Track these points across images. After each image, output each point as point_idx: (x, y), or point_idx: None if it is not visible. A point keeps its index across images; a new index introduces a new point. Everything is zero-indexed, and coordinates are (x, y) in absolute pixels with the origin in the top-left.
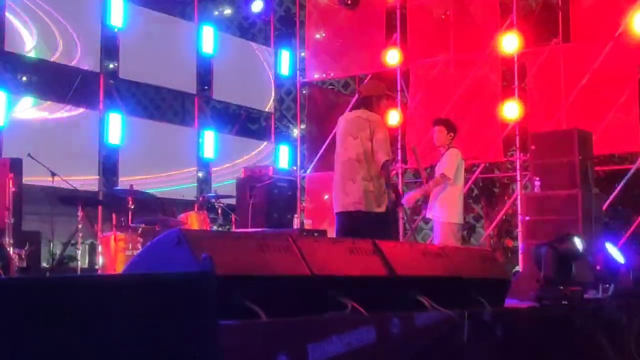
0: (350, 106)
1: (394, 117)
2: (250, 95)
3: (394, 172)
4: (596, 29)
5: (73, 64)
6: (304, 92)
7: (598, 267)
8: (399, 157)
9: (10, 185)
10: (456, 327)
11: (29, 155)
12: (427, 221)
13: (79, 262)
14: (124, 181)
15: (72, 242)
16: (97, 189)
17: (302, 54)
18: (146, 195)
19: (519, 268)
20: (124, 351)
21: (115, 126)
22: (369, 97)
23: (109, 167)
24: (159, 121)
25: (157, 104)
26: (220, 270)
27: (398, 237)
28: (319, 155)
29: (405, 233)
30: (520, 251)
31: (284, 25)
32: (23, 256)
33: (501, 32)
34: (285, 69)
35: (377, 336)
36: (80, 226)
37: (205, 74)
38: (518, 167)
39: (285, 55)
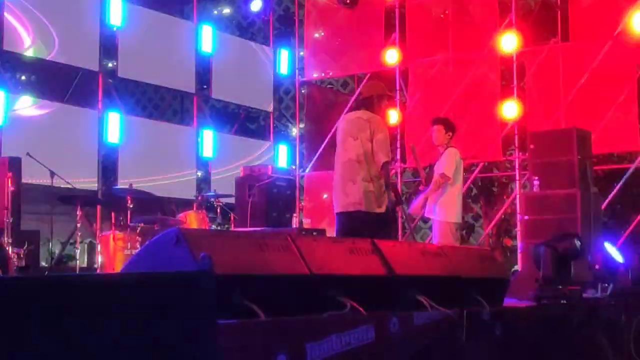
0: (349, 105)
1: (392, 117)
2: (249, 95)
3: (393, 171)
4: (595, 29)
5: (71, 63)
6: (302, 91)
7: (597, 267)
8: (398, 157)
9: (9, 185)
10: (455, 327)
11: (27, 154)
12: (426, 220)
13: (78, 262)
14: (123, 181)
15: (71, 241)
16: (96, 188)
17: (301, 53)
18: (145, 195)
19: (517, 267)
20: (122, 350)
21: (114, 125)
22: (370, 98)
23: (108, 167)
24: (158, 120)
25: (156, 103)
26: (219, 269)
27: (397, 236)
28: (317, 154)
29: (404, 232)
30: (519, 250)
31: (282, 24)
32: (22, 255)
33: (500, 32)
34: (284, 68)
35: (376, 335)
36: (79, 225)
37: (204, 73)
38: (517, 166)
39: (284, 55)
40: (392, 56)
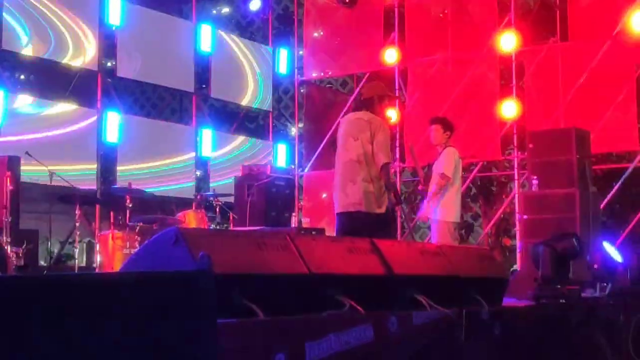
0: (347, 105)
1: (392, 116)
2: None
3: (392, 170)
4: (594, 28)
5: (70, 62)
6: (302, 90)
7: (595, 266)
8: (397, 156)
9: (8, 184)
10: (454, 326)
11: (26, 153)
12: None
13: (77, 261)
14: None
15: (70, 240)
16: (95, 188)
17: (300, 53)
18: (144, 194)
19: (516, 267)
20: (121, 349)
21: (113, 125)
22: (371, 99)
23: (107, 166)
24: (156, 119)
25: (154, 102)
26: (218, 268)
27: (396, 236)
28: (316, 153)
29: (403, 232)
30: (518, 250)
31: (282, 23)
32: (21, 254)
33: (499, 31)
34: (283, 68)
35: (375, 335)
36: (78, 225)
37: (203, 73)
38: (516, 165)
39: (283, 54)
40: (391, 55)
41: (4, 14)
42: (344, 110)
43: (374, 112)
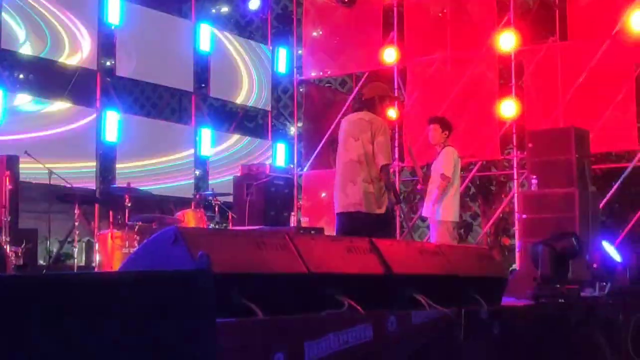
0: (346, 105)
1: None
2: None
3: (392, 170)
4: (593, 27)
5: (69, 61)
6: (301, 90)
7: (595, 266)
8: (397, 156)
9: (7, 183)
10: (453, 325)
11: (25, 152)
12: (424, 219)
13: (76, 260)
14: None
15: (69, 239)
16: (94, 187)
17: (299, 52)
18: (143, 193)
19: (515, 266)
20: (120, 348)
21: (112, 124)
22: (372, 99)
23: (106, 165)
24: (156, 119)
25: (154, 101)
26: (217, 268)
27: (395, 235)
28: (315, 153)
29: (402, 231)
30: (517, 249)
31: (281, 23)
32: (20, 254)
33: (498, 30)
34: (282, 67)
35: (374, 334)
36: (77, 224)
37: (202, 72)
38: (515, 165)
39: (282, 53)
40: (390, 55)
41: (2, 13)
42: (343, 110)
43: (375, 112)
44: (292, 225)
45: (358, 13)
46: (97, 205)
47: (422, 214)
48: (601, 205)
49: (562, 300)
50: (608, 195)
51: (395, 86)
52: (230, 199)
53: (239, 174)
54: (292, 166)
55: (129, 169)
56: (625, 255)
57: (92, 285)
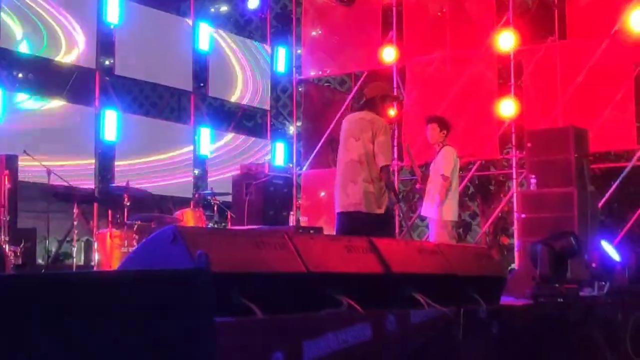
0: (346, 104)
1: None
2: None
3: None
4: (592, 27)
5: (68, 60)
6: (300, 89)
7: (594, 265)
8: (395, 155)
9: (6, 182)
10: (452, 325)
11: (24, 151)
12: (423, 219)
13: (75, 259)
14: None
15: (68, 239)
16: (93, 186)
17: (299, 51)
18: (142, 193)
19: (514, 266)
20: (119, 347)
21: (111, 123)
22: (373, 99)
23: (105, 164)
24: (155, 118)
25: (153, 101)
26: (215, 267)
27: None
28: (314, 152)
29: (401, 230)
30: (516, 249)
31: (280, 22)
32: (19, 253)
33: (497, 30)
34: (281, 66)
35: (373, 333)
36: (75, 223)
37: (201, 71)
38: (514, 164)
39: (281, 53)
40: (389, 54)
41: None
42: (342, 109)
43: (376, 112)
44: (291, 224)
45: (357, 12)
46: (96, 205)
47: (421, 214)
48: (600, 204)
49: (561, 300)
50: (607, 195)
51: (395, 85)
52: (229, 198)
53: (237, 173)
54: (291, 165)
55: (127, 168)
56: (624, 255)
57: (91, 285)
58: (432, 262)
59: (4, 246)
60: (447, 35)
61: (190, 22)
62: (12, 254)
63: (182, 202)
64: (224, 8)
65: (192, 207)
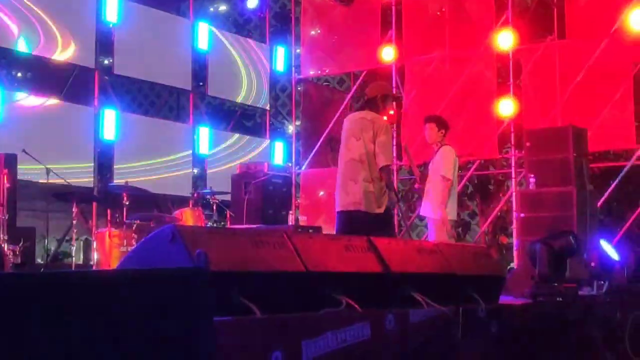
0: (345, 103)
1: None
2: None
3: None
4: (591, 26)
5: (67, 59)
6: (299, 88)
7: (592, 264)
8: (395, 154)
9: (5, 181)
10: (451, 324)
11: (23, 151)
12: (422, 218)
13: (74, 259)
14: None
15: (67, 238)
16: (92, 185)
17: (298, 51)
18: (141, 192)
19: (513, 265)
20: (118, 346)
21: (110, 122)
22: (374, 98)
23: (103, 163)
24: (154, 117)
25: (152, 100)
26: (214, 266)
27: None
28: (314, 151)
29: (400, 230)
30: (515, 248)
31: (279, 21)
32: (18, 252)
33: (496, 29)
34: (280, 66)
35: (372, 332)
36: (74, 222)
37: (200, 70)
38: (513, 164)
39: (280, 52)
40: (388, 54)
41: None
42: (341, 109)
43: (378, 111)
44: (290, 223)
45: (356, 12)
46: (95, 204)
47: (420, 213)
48: (599, 203)
49: (560, 299)
50: (606, 194)
51: (394, 85)
52: (228, 197)
53: (236, 172)
54: (290, 165)
55: (127, 167)
56: (623, 254)
57: (90, 284)
58: (431, 261)
59: (2, 245)
60: (446, 34)
61: (189, 21)
62: (11, 253)
63: (181, 201)
64: (223, 7)
65: (191, 206)
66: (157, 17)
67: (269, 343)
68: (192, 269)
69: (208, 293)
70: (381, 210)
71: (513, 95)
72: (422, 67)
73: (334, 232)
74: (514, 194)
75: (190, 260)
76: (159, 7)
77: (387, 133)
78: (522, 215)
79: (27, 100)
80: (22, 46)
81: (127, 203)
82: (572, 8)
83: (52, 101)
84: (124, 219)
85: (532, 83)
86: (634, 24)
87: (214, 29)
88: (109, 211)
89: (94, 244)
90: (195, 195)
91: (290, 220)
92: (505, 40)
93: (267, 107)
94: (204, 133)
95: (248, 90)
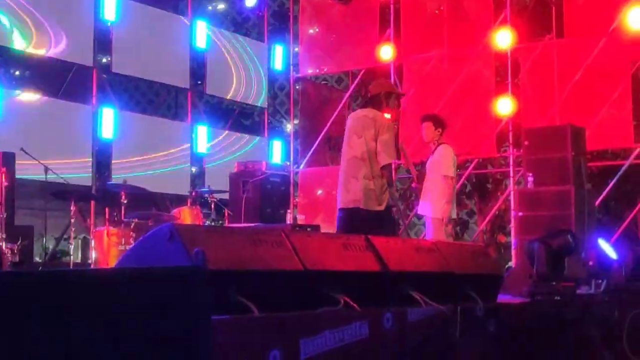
0: (343, 102)
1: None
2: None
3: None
4: (590, 25)
5: (65, 58)
6: (297, 87)
7: (591, 263)
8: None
9: (3, 180)
10: (449, 323)
11: (22, 149)
12: (420, 217)
13: (72, 257)
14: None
15: (65, 236)
16: (90, 184)
17: (296, 49)
18: (139, 190)
19: (511, 264)
20: (115, 344)
21: (108, 120)
22: (377, 96)
23: (102, 162)
24: (152, 116)
25: (150, 98)
26: (212, 265)
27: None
28: (312, 150)
29: (398, 229)
30: (513, 247)
31: (277, 20)
32: (16, 251)
33: (495, 28)
34: (278, 64)
35: (370, 331)
36: (73, 221)
37: (198, 69)
38: (511, 162)
39: (278, 50)
40: (386, 52)
41: None
42: (339, 107)
43: (381, 109)
44: (288, 222)
45: (355, 10)
46: (93, 202)
47: (418, 212)
48: (597, 202)
49: (558, 298)
50: (604, 193)
51: (392, 83)
52: (226, 196)
53: (234, 171)
54: (288, 163)
55: (125, 165)
56: (621, 253)
57: (88, 282)
58: (429, 260)
59: (1, 244)
60: (444, 33)
61: (187, 20)
62: (9, 252)
63: (180, 200)
64: (221, 6)
65: (189, 205)
66: (155, 15)
67: (267, 342)
68: (190, 268)
69: (206, 292)
70: (381, 208)
71: (511, 94)
72: (420, 66)
73: (334, 230)
74: (512, 192)
75: (188, 259)
76: (157, 6)
77: (390, 131)
78: (520, 214)
79: (25, 98)
80: (18, 44)
81: (125, 201)
82: (571, 7)
83: (50, 99)
84: (122, 217)
85: (531, 82)
86: (632, 23)
87: (212, 27)
88: (107, 210)
89: (92, 243)
90: (194, 193)
91: (289, 219)
92: (503, 39)
93: (265, 106)
94: (202, 131)
95: (246, 89)
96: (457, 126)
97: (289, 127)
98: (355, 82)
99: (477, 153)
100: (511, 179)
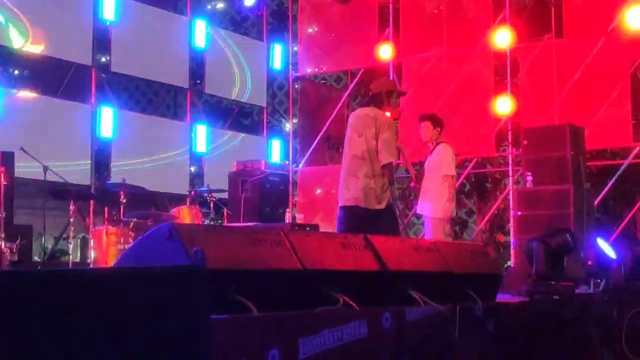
0: (342, 101)
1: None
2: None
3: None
4: (589, 25)
5: (65, 57)
6: (296, 86)
7: (589, 262)
8: None
9: (2, 179)
10: (448, 322)
11: (21, 149)
12: (419, 216)
13: (71, 256)
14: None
15: (64, 236)
16: (89, 183)
17: (295, 48)
18: (138, 190)
19: (510, 263)
20: (114, 343)
21: (107, 120)
22: (379, 94)
23: (101, 161)
24: (151, 115)
25: (149, 98)
26: (211, 264)
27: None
28: (311, 149)
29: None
30: (512, 246)
31: (276, 19)
32: (15, 250)
33: (494, 27)
34: (277, 63)
35: (369, 331)
36: (72, 220)
37: (197, 68)
38: (510, 162)
39: (277, 50)
40: (385, 52)
41: None
42: (339, 106)
43: (382, 107)
44: (287, 221)
45: (353, 10)
46: (92, 202)
47: (417, 212)
48: (596, 202)
49: (557, 297)
50: (603, 192)
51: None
52: (225, 195)
53: (233, 170)
54: (287, 162)
55: (124, 165)
56: (619, 252)
57: (87, 281)
58: (428, 259)
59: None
60: (443, 32)
61: (186, 19)
62: (8, 251)
63: (179, 199)
64: (220, 5)
65: (188, 204)
66: (154, 14)
67: (266, 341)
68: (189, 267)
69: (205, 291)
70: (382, 206)
71: (510, 94)
72: (419, 65)
73: (333, 230)
74: (511, 192)
75: (187, 258)
76: (157, 5)
77: (390, 129)
78: (519, 213)
79: (24, 97)
80: (16, 43)
81: (124, 201)
82: (570, 6)
83: (50, 99)
84: (121, 216)
85: (530, 81)
86: (630, 23)
87: (211, 26)
88: (106, 209)
89: (91, 242)
90: (193, 193)
91: (288, 218)
92: (502, 38)
93: (265, 105)
94: (202, 131)
95: (245, 88)
96: (456, 125)
97: (288, 127)
98: (355, 81)
99: (476, 152)
100: (510, 178)
